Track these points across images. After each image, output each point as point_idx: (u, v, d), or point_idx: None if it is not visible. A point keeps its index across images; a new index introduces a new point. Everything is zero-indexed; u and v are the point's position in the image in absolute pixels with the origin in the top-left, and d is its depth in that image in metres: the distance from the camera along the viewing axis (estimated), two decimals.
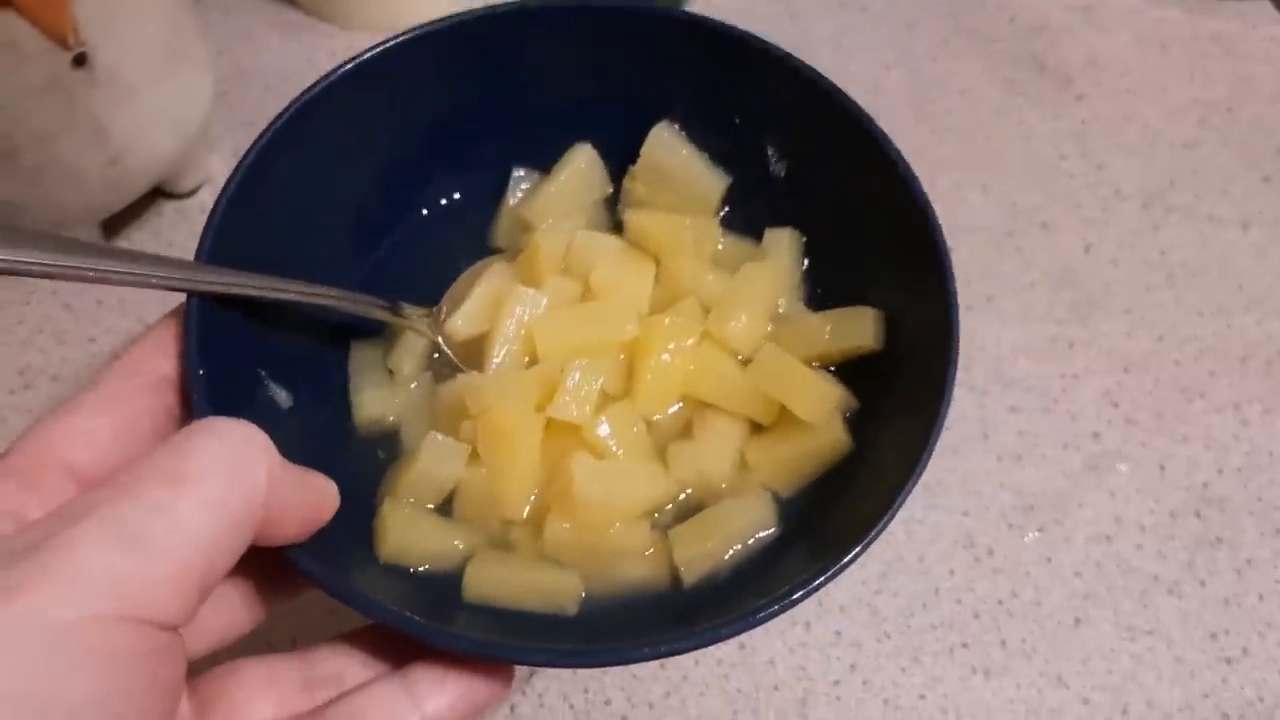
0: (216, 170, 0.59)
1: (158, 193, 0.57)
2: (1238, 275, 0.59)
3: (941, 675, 0.48)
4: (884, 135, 0.43)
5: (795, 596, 0.34)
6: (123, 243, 0.56)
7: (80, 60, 0.44)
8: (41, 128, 0.46)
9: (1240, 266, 0.59)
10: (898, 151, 0.42)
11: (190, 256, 0.57)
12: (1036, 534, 0.51)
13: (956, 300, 0.39)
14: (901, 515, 0.51)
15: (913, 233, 0.41)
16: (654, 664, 0.47)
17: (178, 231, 0.57)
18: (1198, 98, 0.65)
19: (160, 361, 0.34)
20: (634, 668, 0.47)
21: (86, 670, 0.23)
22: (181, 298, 0.35)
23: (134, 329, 0.54)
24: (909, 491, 0.36)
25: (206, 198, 0.58)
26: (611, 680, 0.47)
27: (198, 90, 0.52)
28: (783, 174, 0.47)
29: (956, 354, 0.38)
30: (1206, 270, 0.59)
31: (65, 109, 0.46)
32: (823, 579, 0.34)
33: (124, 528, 0.25)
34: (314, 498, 0.31)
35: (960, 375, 0.54)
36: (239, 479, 0.27)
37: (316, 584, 0.33)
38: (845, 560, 0.35)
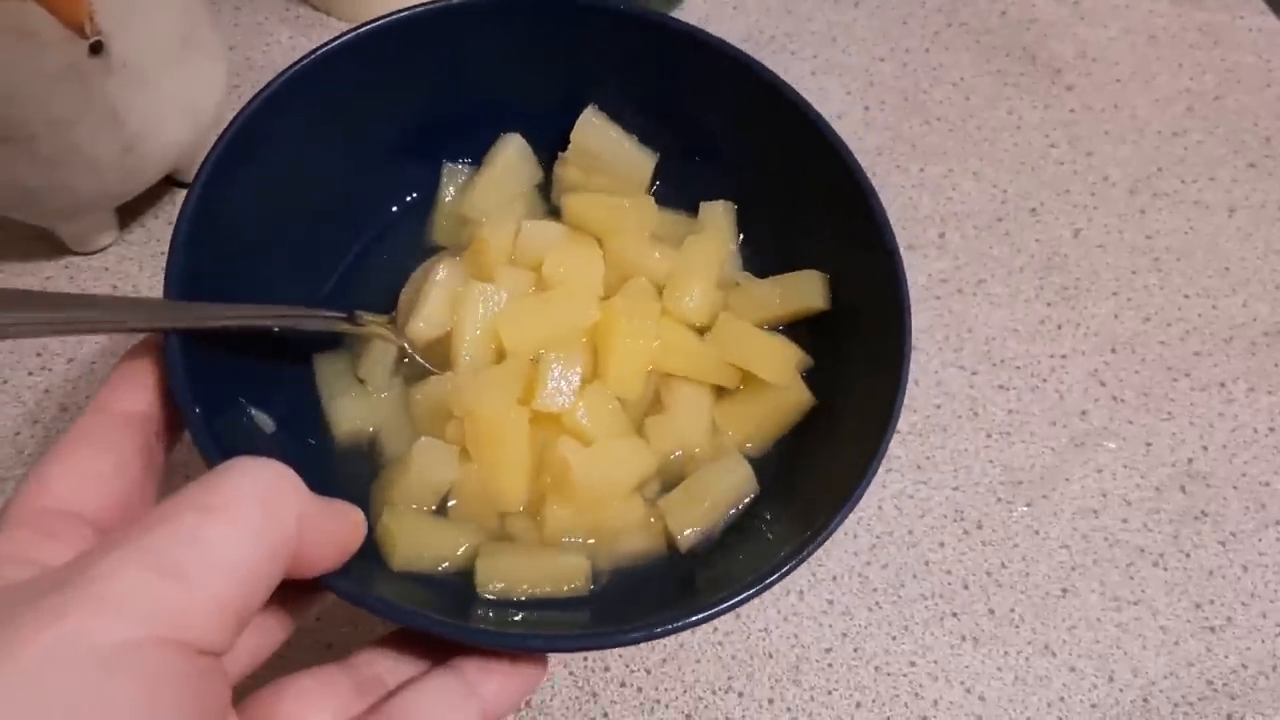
0: None
1: (172, 181, 0.59)
2: (1223, 259, 0.60)
3: (931, 644, 0.49)
4: (804, 101, 0.44)
5: (785, 569, 0.35)
6: (137, 229, 0.58)
7: (96, 48, 0.46)
8: (59, 114, 0.47)
9: (1225, 250, 0.60)
10: (817, 114, 0.44)
11: None
12: (1025, 508, 0.52)
13: (898, 251, 0.41)
14: (893, 489, 0.53)
15: (843, 193, 0.43)
16: None
17: None
18: (1185, 87, 0.67)
19: (132, 398, 0.34)
20: None
21: (133, 694, 0.23)
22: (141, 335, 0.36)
23: None
24: (881, 457, 0.37)
25: None
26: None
27: (211, 79, 0.54)
28: (712, 149, 0.49)
29: (909, 311, 0.40)
30: (1192, 254, 0.60)
31: (82, 96, 0.47)
32: (812, 546, 0.36)
33: (160, 555, 0.25)
34: (345, 528, 0.32)
35: (950, 355, 0.56)
36: (271, 511, 0.28)
37: (355, 603, 0.33)
38: (835, 521, 0.36)
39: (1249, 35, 0.69)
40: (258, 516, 0.27)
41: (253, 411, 0.41)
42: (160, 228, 0.58)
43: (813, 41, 0.68)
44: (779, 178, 0.47)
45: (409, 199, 0.50)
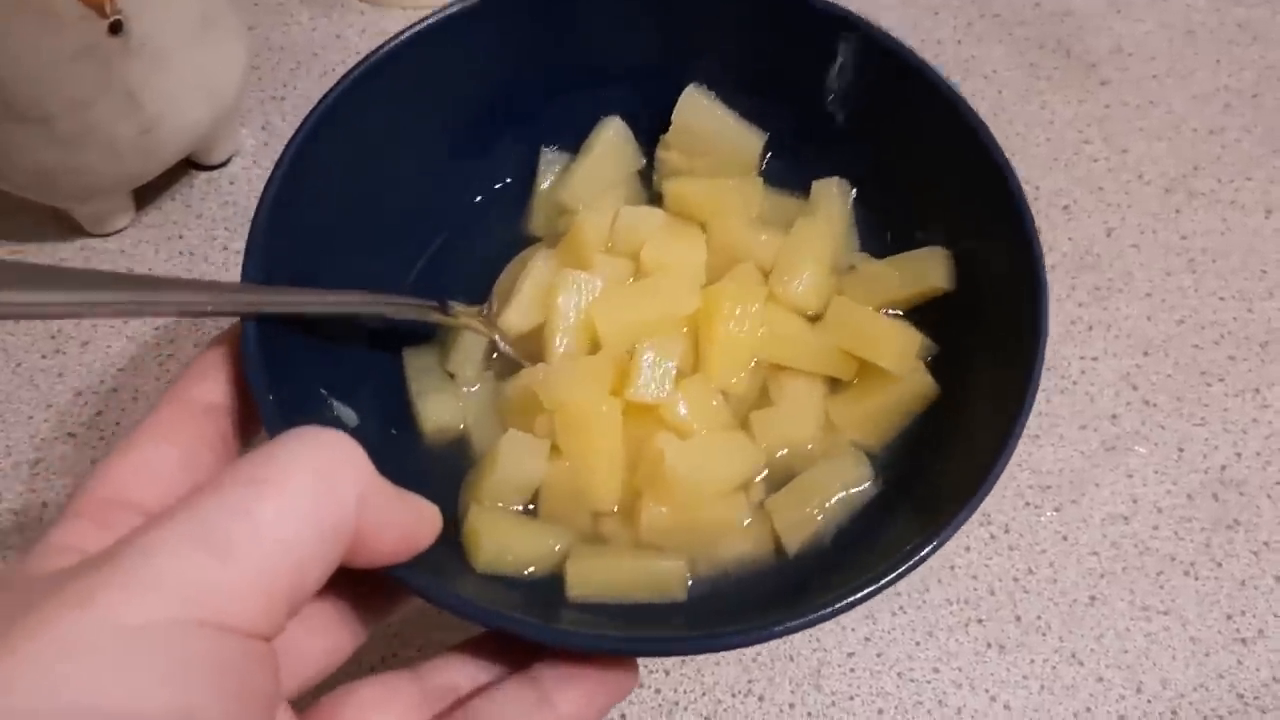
0: (247, 143, 0.60)
1: (189, 164, 0.58)
2: (1260, 260, 0.59)
3: (956, 650, 0.48)
4: (932, 69, 0.42)
5: (907, 565, 0.33)
6: (153, 212, 0.57)
7: (116, 28, 0.45)
8: (76, 95, 0.46)
9: (1262, 252, 0.59)
10: (948, 84, 0.42)
11: (219, 227, 0.58)
12: (1053, 513, 0.51)
13: (1037, 234, 0.38)
14: None
15: (974, 169, 0.40)
16: None
17: (208, 203, 0.58)
18: (1223, 84, 0.65)
19: (211, 389, 0.33)
20: None
21: (166, 677, 0.22)
22: (225, 324, 0.35)
23: None
24: (1014, 443, 0.35)
25: (237, 169, 0.59)
26: None
27: (231, 61, 0.53)
28: (824, 124, 0.46)
29: (1046, 292, 0.37)
30: (1228, 255, 0.59)
31: (100, 76, 0.46)
32: (937, 541, 0.33)
33: (204, 531, 0.24)
34: (412, 518, 0.30)
35: None
36: (329, 486, 0.26)
37: (429, 599, 0.32)
38: (960, 517, 0.34)
39: None
40: (313, 491, 0.25)
41: (334, 404, 0.40)
42: (176, 210, 0.58)
43: None
44: (899, 153, 0.44)
45: (503, 185, 0.48)
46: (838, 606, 0.32)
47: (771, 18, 0.44)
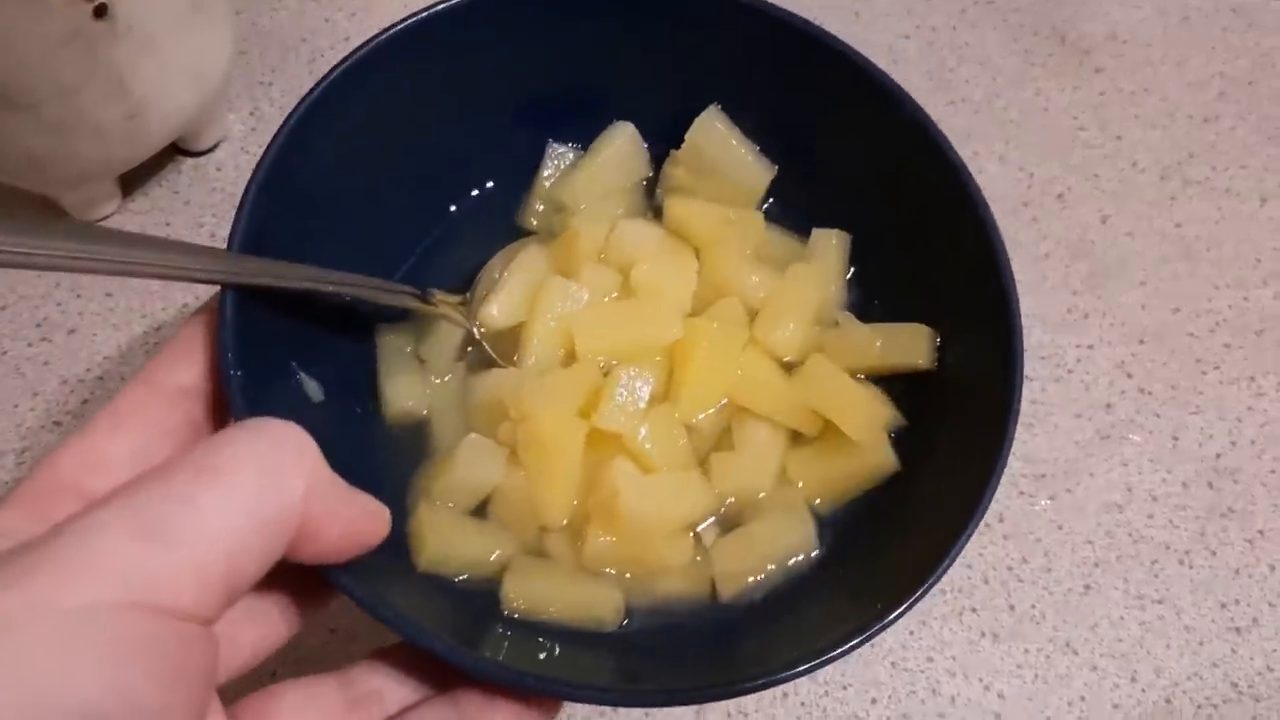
0: (234, 129, 0.59)
1: (176, 149, 0.57)
2: (1254, 249, 0.58)
3: (950, 639, 0.48)
4: (946, 141, 0.41)
5: (839, 649, 0.33)
6: (140, 198, 0.57)
7: (101, 12, 0.44)
8: (63, 80, 0.46)
9: (1257, 240, 0.59)
10: (959, 158, 0.41)
11: (206, 214, 0.57)
12: (1047, 502, 0.51)
13: (1021, 329, 0.38)
14: None
15: (972, 248, 0.39)
16: None
17: (195, 189, 0.57)
18: (1218, 71, 0.65)
19: (181, 371, 0.33)
20: None
21: (100, 659, 0.22)
22: (203, 299, 0.34)
23: (150, 285, 0.54)
24: (965, 541, 0.34)
25: (224, 155, 0.58)
26: None
27: (218, 45, 0.52)
28: (833, 172, 0.45)
29: (1019, 391, 0.37)
30: (1223, 243, 0.59)
31: (87, 61, 0.46)
32: (871, 631, 0.33)
33: (143, 516, 0.24)
34: (359, 515, 0.29)
35: None
36: (271, 476, 0.26)
37: (360, 605, 0.31)
38: (895, 615, 0.34)
39: None
40: (257, 482, 0.25)
41: (302, 376, 0.39)
42: (164, 196, 0.57)
43: (834, 18, 0.66)
44: (904, 215, 0.43)
45: (505, 177, 0.48)
46: (759, 683, 0.33)
47: (781, 49, 0.43)
